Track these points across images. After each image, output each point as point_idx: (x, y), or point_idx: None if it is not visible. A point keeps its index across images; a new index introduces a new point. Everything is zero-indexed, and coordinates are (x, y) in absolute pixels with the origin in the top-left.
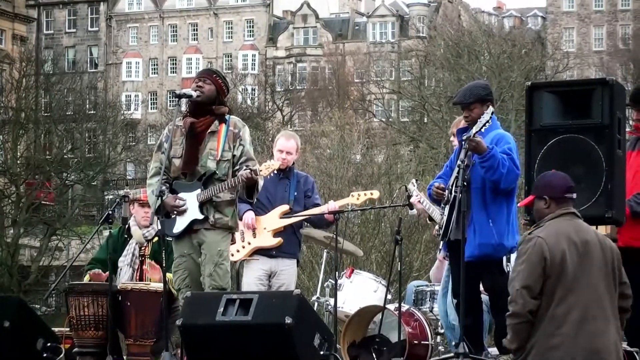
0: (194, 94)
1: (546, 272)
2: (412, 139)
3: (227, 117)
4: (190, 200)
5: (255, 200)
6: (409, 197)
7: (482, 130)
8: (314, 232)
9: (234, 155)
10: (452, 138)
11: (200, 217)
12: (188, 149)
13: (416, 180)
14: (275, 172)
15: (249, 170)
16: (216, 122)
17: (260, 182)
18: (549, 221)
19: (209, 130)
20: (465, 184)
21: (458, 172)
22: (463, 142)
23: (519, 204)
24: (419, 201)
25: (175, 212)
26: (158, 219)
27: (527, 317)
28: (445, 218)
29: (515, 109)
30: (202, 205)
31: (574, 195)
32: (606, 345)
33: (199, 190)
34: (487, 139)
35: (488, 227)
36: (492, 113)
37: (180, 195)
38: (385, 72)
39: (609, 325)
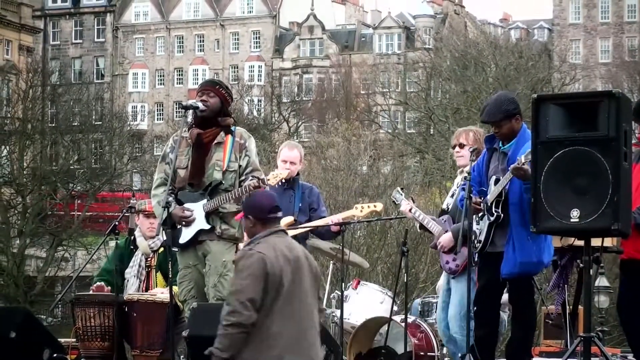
0: (201, 105)
1: (268, 286)
2: (419, 150)
3: (233, 128)
4: (197, 211)
5: None
6: (397, 205)
7: (529, 158)
8: (321, 243)
9: (240, 166)
10: (456, 149)
11: (207, 227)
12: (195, 160)
13: (402, 188)
14: (280, 182)
15: (256, 180)
16: (222, 133)
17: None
18: (264, 238)
19: (215, 142)
20: (503, 200)
21: (498, 191)
22: (491, 150)
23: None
24: (410, 210)
25: (183, 223)
26: (164, 229)
27: (249, 329)
28: (485, 231)
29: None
30: (208, 216)
31: (279, 214)
32: (317, 355)
33: (204, 201)
34: (522, 154)
35: (528, 244)
36: (523, 128)
37: (186, 205)
38: (392, 83)
39: (317, 336)
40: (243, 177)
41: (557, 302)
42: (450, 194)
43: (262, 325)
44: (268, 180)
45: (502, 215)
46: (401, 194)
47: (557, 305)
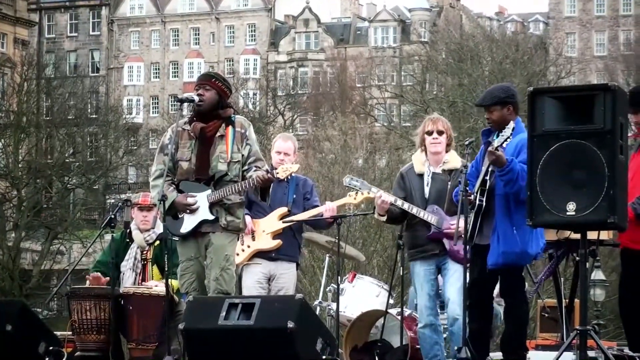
0: (196, 98)
1: None
2: (414, 143)
3: (232, 117)
4: (200, 201)
5: (268, 201)
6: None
7: (504, 144)
8: (316, 236)
9: (242, 155)
10: (434, 135)
11: (211, 217)
12: (200, 154)
13: (353, 176)
14: (290, 176)
15: (264, 172)
16: (223, 125)
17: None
18: None
19: (218, 134)
20: (487, 189)
21: (482, 179)
22: (487, 144)
23: None
24: (395, 201)
25: (187, 210)
26: (163, 221)
27: None
28: (471, 223)
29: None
30: (212, 207)
31: None
32: None
33: (209, 191)
34: (512, 145)
35: (512, 234)
36: (516, 120)
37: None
38: (387, 76)
39: None
40: (246, 167)
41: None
42: (425, 182)
43: None
44: (277, 173)
45: (483, 204)
46: (360, 180)
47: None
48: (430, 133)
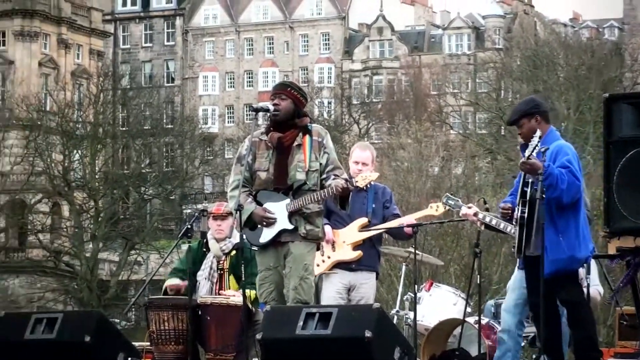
0: (271, 107)
1: None
2: (490, 151)
3: (309, 126)
4: (279, 210)
5: (348, 209)
6: (454, 211)
7: (534, 152)
8: (394, 250)
9: (320, 164)
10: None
11: (290, 227)
12: (278, 163)
13: (451, 193)
14: (369, 185)
15: (343, 181)
16: (300, 134)
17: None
18: None
19: (296, 144)
20: (529, 199)
21: (521, 191)
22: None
23: None
24: (475, 215)
25: (264, 223)
26: (239, 231)
27: None
28: (517, 233)
29: (594, 120)
30: (291, 216)
31: None
32: None
33: (288, 200)
34: (547, 154)
35: (558, 241)
36: (549, 129)
37: (267, 205)
38: (462, 84)
39: None
40: (325, 176)
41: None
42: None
43: None
44: (356, 182)
45: (525, 215)
46: (455, 199)
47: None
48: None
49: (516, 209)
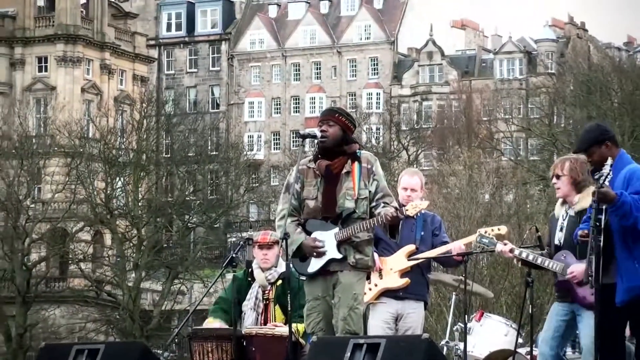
0: (319, 134)
1: None
2: (542, 178)
3: (358, 152)
4: (328, 240)
5: (398, 238)
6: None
7: (608, 179)
8: (442, 276)
9: (369, 192)
10: (553, 180)
11: (339, 256)
12: (326, 192)
13: (484, 231)
14: (419, 214)
15: (394, 209)
16: (349, 161)
17: None
18: None
19: (344, 171)
20: (601, 226)
21: (594, 218)
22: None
23: None
24: (511, 251)
25: (314, 254)
26: (286, 260)
27: None
28: (593, 262)
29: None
30: (340, 245)
31: None
32: None
33: (336, 229)
34: (620, 178)
35: (634, 268)
36: (620, 153)
37: (315, 234)
38: (514, 109)
39: None
40: (374, 204)
41: None
42: (558, 227)
43: None
44: (407, 210)
45: (601, 243)
46: (489, 237)
47: None
48: (551, 178)
49: (590, 236)
